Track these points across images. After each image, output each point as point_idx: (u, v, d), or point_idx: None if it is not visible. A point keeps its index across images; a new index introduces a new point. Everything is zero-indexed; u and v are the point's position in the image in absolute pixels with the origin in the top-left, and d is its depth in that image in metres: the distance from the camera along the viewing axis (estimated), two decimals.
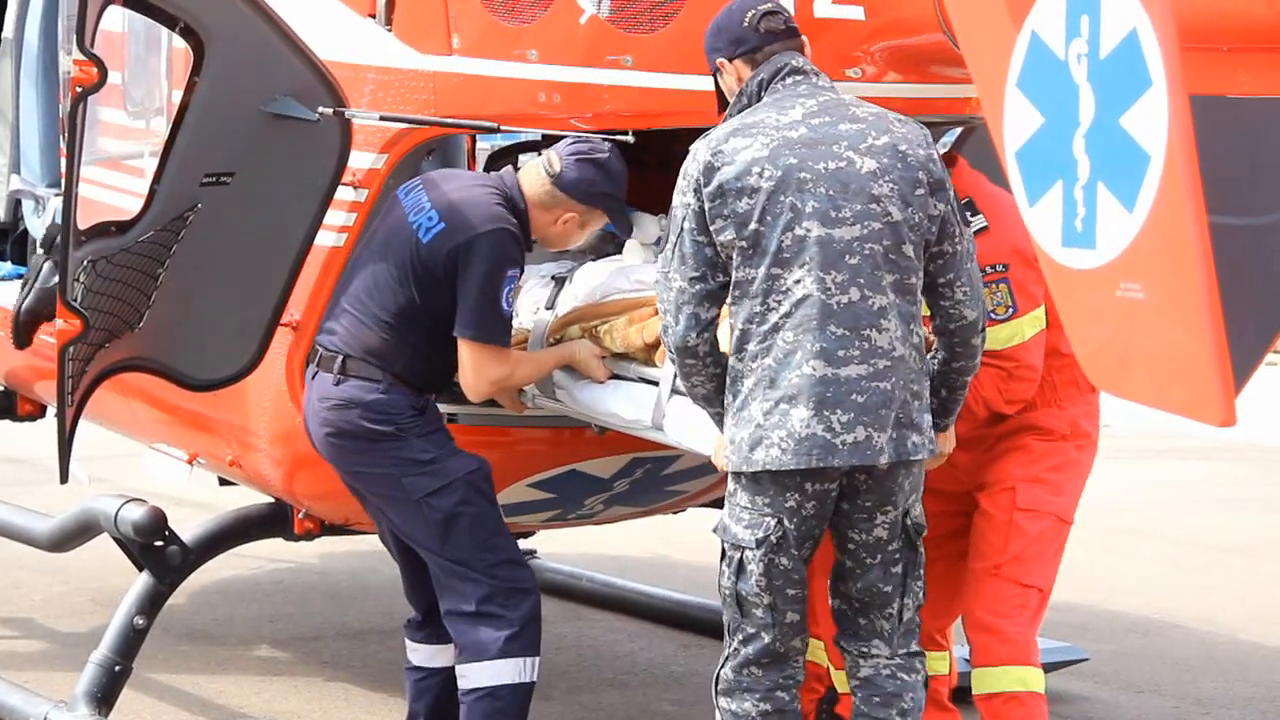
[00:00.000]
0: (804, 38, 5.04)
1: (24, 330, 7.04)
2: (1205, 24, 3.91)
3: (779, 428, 4.72)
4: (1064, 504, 5.71)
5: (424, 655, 5.92)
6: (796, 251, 4.72)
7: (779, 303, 4.74)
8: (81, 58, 5.32)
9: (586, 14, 5.61)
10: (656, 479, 6.28)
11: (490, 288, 5.48)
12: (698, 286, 4.82)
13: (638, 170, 5.91)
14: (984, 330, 4.98)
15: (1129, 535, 9.42)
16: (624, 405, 5.53)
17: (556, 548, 8.81)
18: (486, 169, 6.94)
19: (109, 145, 6.83)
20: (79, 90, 5.38)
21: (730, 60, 5.01)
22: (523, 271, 5.65)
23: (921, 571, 4.96)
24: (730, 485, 4.88)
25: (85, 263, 5.58)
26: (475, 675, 5.57)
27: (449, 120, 5.75)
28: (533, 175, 5.65)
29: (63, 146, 6.88)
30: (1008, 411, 5.64)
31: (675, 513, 7.16)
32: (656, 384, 5.43)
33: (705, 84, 5.45)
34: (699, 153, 4.84)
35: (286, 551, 8.26)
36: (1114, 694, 7.30)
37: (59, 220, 6.22)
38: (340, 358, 5.62)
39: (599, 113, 5.68)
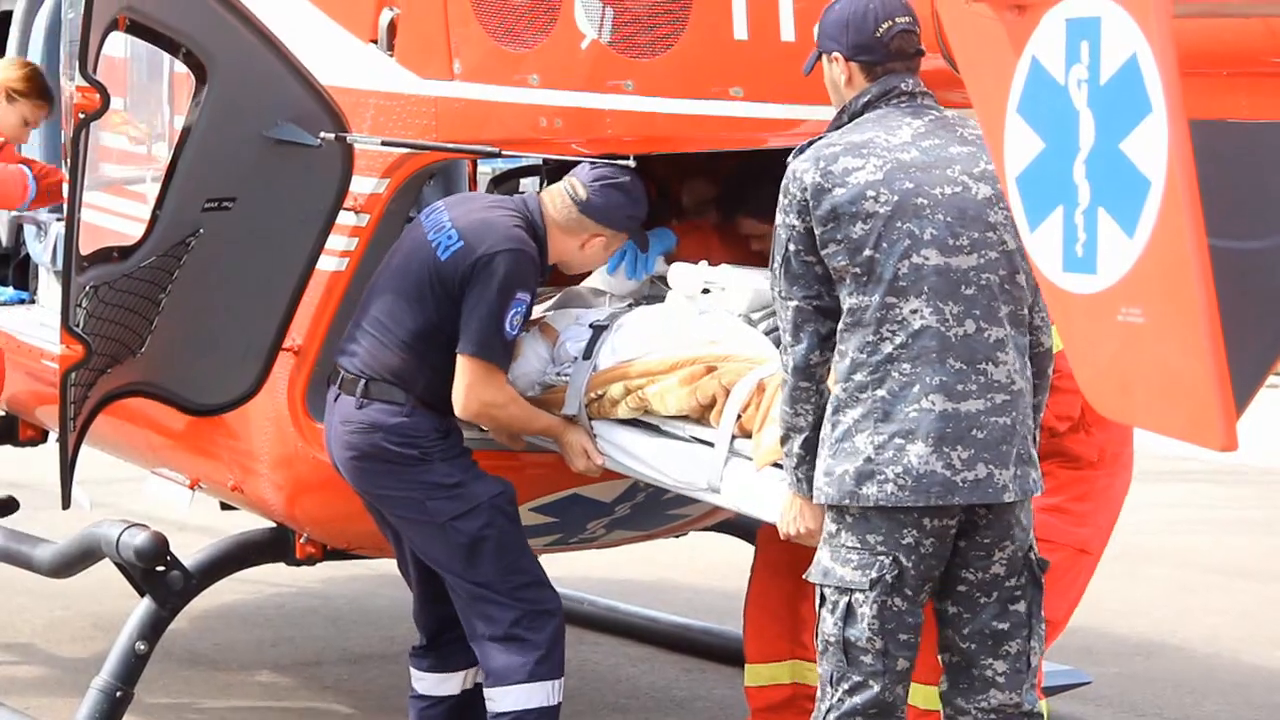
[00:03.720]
0: (924, 52, 4.80)
1: None
2: (1205, 49, 3.92)
3: (894, 463, 4.52)
4: (1085, 535, 5.61)
5: (429, 684, 5.91)
6: (913, 280, 4.55)
7: (893, 333, 4.56)
8: (84, 84, 5.34)
9: (588, 39, 5.62)
10: (658, 503, 6.28)
11: (498, 307, 5.45)
12: (815, 303, 4.65)
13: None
14: (1054, 359, 4.80)
15: (1132, 558, 9.42)
16: (675, 465, 5.36)
17: (558, 571, 8.74)
18: (488, 193, 6.96)
19: (111, 171, 6.84)
20: (81, 116, 5.39)
21: (847, 60, 4.77)
22: (534, 298, 5.60)
23: (1043, 614, 4.73)
24: (830, 526, 4.64)
25: (88, 288, 5.60)
26: (504, 699, 5.57)
27: (450, 145, 5.76)
28: (557, 201, 5.64)
29: (65, 172, 6.92)
30: (1059, 428, 5.52)
31: (677, 536, 7.16)
32: (711, 445, 5.25)
33: (707, 108, 5.46)
34: (804, 172, 4.64)
35: (288, 576, 8.26)
36: (1117, 717, 7.30)
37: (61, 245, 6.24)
38: (363, 380, 5.58)
39: (600, 137, 5.69)
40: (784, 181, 4.69)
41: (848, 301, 4.60)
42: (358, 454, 5.59)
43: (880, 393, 4.55)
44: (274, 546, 6.57)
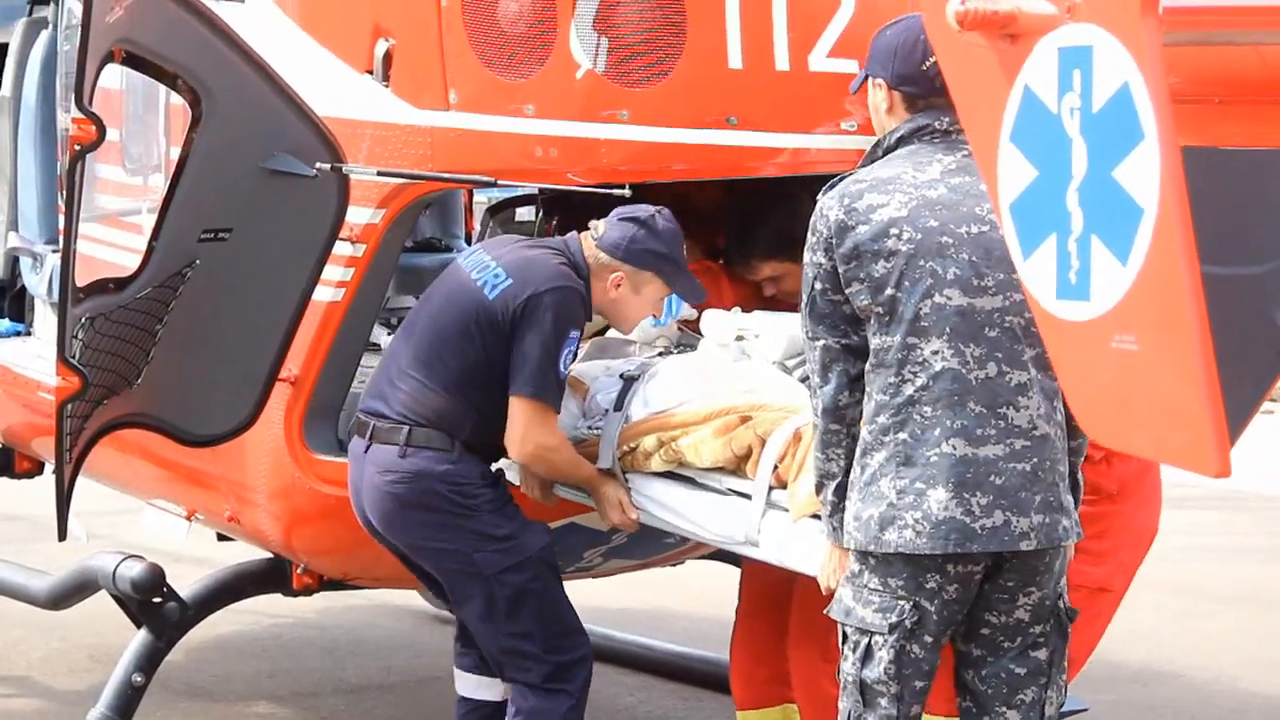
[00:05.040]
0: None
1: None
2: (1197, 77, 3.94)
3: (914, 509, 4.43)
4: (1105, 573, 5.50)
5: (469, 686, 5.82)
6: (935, 320, 4.44)
7: (914, 374, 4.45)
8: (80, 115, 5.35)
9: (583, 69, 5.63)
10: (654, 531, 6.28)
11: (553, 345, 5.34)
12: (842, 342, 4.54)
13: None
14: None
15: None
16: (712, 519, 5.23)
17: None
18: (484, 223, 6.98)
19: (107, 202, 6.85)
20: (77, 148, 5.40)
21: (890, 89, 4.66)
22: (582, 335, 5.48)
23: (1066, 664, 4.65)
24: (854, 565, 4.57)
25: (84, 320, 5.60)
26: None
27: (446, 175, 5.77)
28: (587, 241, 5.54)
29: (61, 204, 6.92)
30: (1094, 456, 5.29)
31: (674, 565, 7.15)
32: (748, 497, 5.12)
33: (702, 137, 5.49)
34: (829, 209, 4.53)
35: (285, 607, 8.25)
36: None
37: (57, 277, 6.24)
38: (406, 427, 5.46)
39: (596, 166, 5.70)
40: (812, 218, 4.60)
41: (872, 342, 4.52)
42: (402, 504, 5.46)
43: (902, 435, 4.47)
44: (271, 577, 6.56)
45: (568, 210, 6.25)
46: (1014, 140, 3.79)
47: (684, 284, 5.57)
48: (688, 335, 5.92)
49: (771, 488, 5.04)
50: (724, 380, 5.37)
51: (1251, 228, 5.43)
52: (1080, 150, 3.64)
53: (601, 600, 9.04)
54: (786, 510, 5.00)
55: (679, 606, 9.26)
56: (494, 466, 5.59)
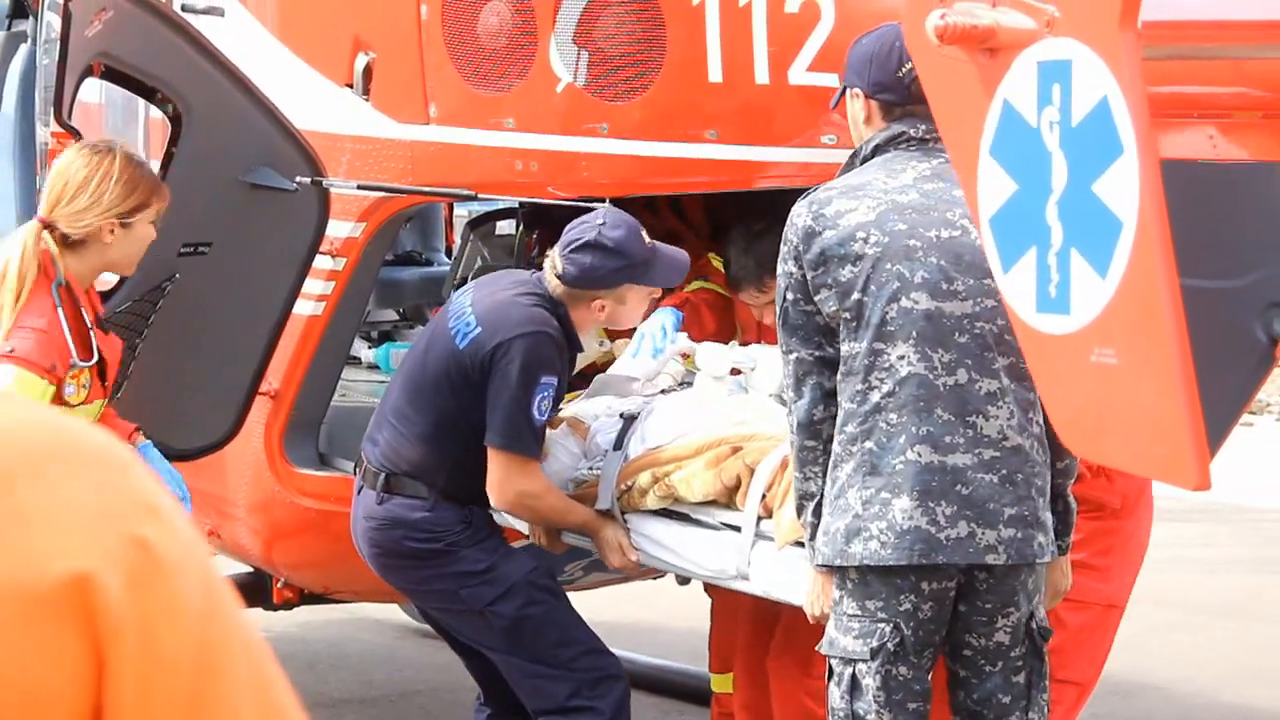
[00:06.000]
0: None
1: None
2: (1175, 91, 3.95)
3: (879, 519, 4.30)
4: (1112, 590, 5.39)
5: None
6: (901, 325, 4.32)
7: (881, 381, 4.33)
8: (59, 129, 5.34)
9: (563, 82, 5.64)
10: None
11: (522, 394, 5.19)
12: (816, 354, 4.43)
13: None
14: None
15: None
16: (706, 555, 5.09)
17: None
18: (464, 236, 6.98)
19: None
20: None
21: (867, 98, 4.61)
22: (561, 382, 5.31)
23: (1047, 683, 4.52)
24: (835, 593, 4.44)
25: None
26: None
27: (426, 189, 5.77)
28: (550, 279, 5.35)
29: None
30: (1085, 475, 5.17)
31: (655, 578, 7.15)
32: (740, 529, 4.98)
33: (682, 151, 5.49)
34: (798, 216, 4.45)
35: (265, 621, 8.23)
36: None
37: None
38: (383, 475, 5.39)
39: (576, 180, 5.70)
40: (784, 229, 4.53)
41: (842, 350, 4.40)
42: (382, 551, 5.43)
43: (869, 444, 4.34)
44: (251, 591, 6.55)
45: (548, 224, 6.24)
46: (994, 154, 3.80)
47: (660, 274, 5.37)
48: (691, 372, 5.79)
49: (760, 518, 4.93)
50: (718, 414, 5.27)
51: (1230, 241, 5.44)
52: (1060, 164, 3.65)
53: (583, 614, 9.03)
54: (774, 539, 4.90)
55: (661, 619, 9.25)
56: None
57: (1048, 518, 4.41)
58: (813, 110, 5.59)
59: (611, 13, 5.59)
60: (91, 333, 5.07)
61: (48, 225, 5.04)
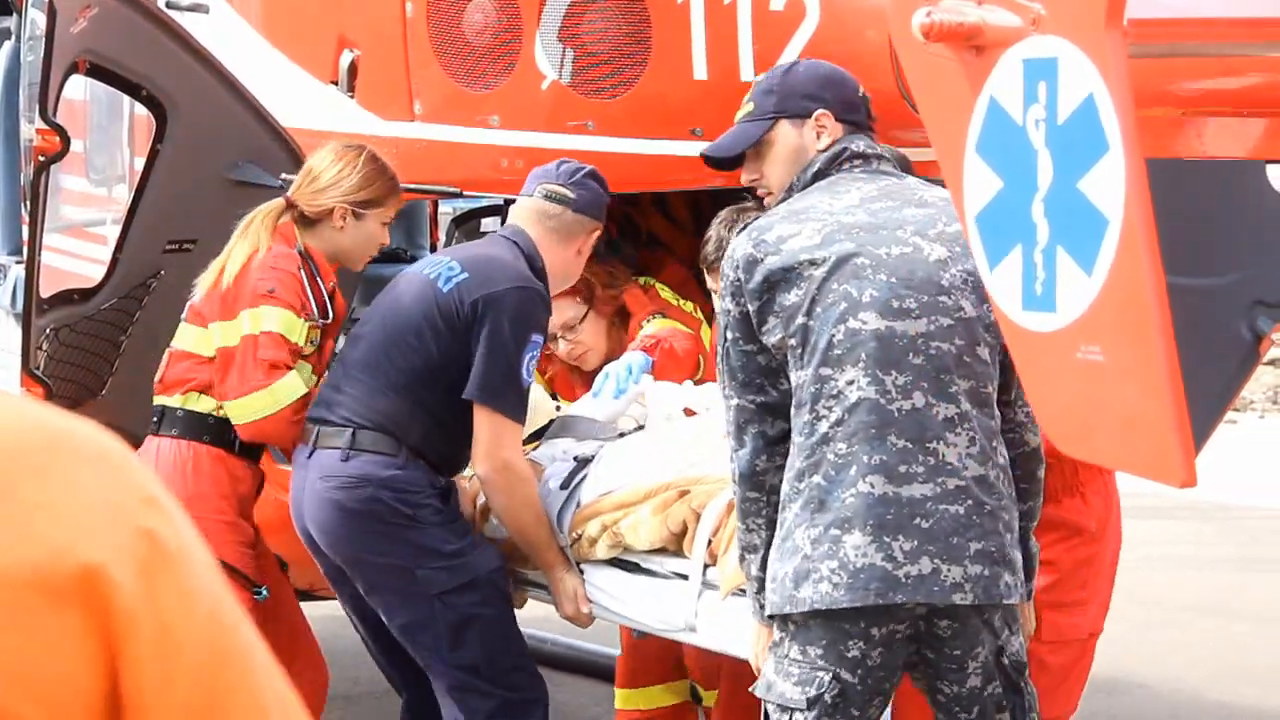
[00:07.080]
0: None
1: None
2: (1161, 88, 3.95)
3: (829, 557, 3.95)
4: (1091, 617, 5.18)
5: None
6: (850, 348, 4.00)
7: (829, 409, 4.00)
8: (44, 126, 5.34)
9: (548, 80, 5.63)
10: None
11: (514, 349, 4.98)
12: (758, 400, 4.12)
13: None
14: (1044, 461, 4.23)
15: None
16: (655, 606, 4.85)
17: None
18: (449, 233, 6.97)
19: (71, 213, 6.83)
20: (41, 159, 5.39)
21: (836, 120, 4.36)
22: (545, 341, 5.17)
23: (1034, 715, 4.18)
24: (776, 634, 4.12)
25: (48, 331, 5.59)
26: None
27: (411, 186, 5.77)
28: (548, 214, 5.20)
29: (25, 215, 6.91)
30: (1070, 489, 5.03)
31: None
32: (687, 578, 4.75)
33: (666, 149, 5.48)
34: (738, 248, 4.15)
35: None
36: None
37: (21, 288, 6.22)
38: (349, 430, 5.05)
39: None
40: (722, 265, 4.27)
41: (792, 382, 4.09)
42: (344, 512, 5.03)
43: (816, 479, 4.00)
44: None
45: None
46: (979, 152, 3.80)
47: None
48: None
49: (707, 565, 4.68)
50: (670, 454, 5.03)
51: (1215, 238, 5.45)
52: (1045, 161, 3.65)
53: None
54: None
55: None
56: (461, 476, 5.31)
57: (1017, 556, 4.08)
58: None
59: (596, 10, 5.58)
60: (328, 300, 5.36)
61: (290, 204, 5.34)
